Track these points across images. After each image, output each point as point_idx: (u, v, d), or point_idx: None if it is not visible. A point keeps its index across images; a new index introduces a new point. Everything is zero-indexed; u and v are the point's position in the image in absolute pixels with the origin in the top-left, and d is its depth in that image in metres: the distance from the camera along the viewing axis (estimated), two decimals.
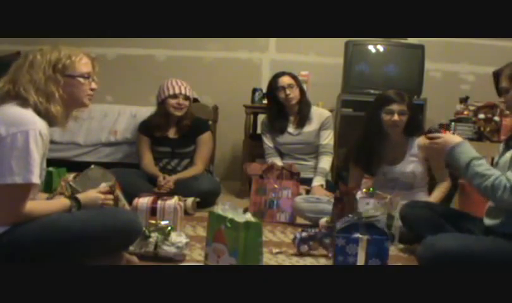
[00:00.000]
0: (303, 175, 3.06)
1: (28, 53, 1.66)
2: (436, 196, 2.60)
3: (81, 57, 1.71)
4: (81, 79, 1.69)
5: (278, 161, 3.24)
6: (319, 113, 3.30)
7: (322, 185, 3.11)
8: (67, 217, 1.68)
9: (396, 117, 2.56)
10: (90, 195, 1.81)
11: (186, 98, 3.14)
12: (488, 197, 1.84)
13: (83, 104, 1.74)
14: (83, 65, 1.70)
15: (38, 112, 1.60)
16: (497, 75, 1.95)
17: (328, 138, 3.25)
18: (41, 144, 1.56)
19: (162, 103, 3.15)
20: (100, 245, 1.67)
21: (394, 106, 2.57)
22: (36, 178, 1.55)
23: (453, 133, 2.92)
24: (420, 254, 1.88)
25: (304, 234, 2.15)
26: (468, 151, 1.88)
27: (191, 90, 3.19)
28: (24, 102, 1.59)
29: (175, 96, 3.10)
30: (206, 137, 3.23)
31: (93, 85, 1.74)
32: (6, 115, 1.56)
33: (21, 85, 1.59)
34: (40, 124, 1.57)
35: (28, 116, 1.57)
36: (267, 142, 3.36)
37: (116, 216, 1.74)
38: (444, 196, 2.62)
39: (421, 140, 2.63)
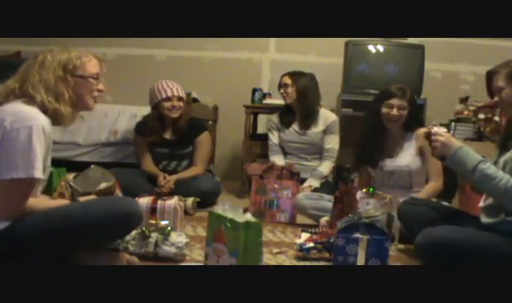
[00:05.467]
0: (304, 175, 3.06)
1: (38, 54, 1.69)
2: (423, 193, 2.57)
3: (91, 58, 1.74)
4: (91, 80, 1.72)
5: (280, 159, 3.27)
6: (325, 116, 3.31)
7: (310, 187, 3.08)
8: (68, 206, 1.72)
9: (395, 111, 2.59)
10: (90, 198, 1.84)
11: (180, 99, 3.10)
12: (500, 199, 1.82)
13: (87, 106, 1.76)
14: (92, 66, 1.73)
15: (45, 111, 1.62)
16: (490, 75, 1.93)
17: (332, 143, 3.26)
18: (44, 140, 1.58)
19: (155, 107, 3.13)
20: (101, 231, 1.67)
21: (394, 101, 2.59)
22: (38, 173, 1.56)
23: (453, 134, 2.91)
24: (418, 241, 1.91)
25: (310, 244, 2.10)
26: (473, 153, 1.86)
27: (183, 90, 3.15)
28: (30, 100, 1.61)
29: (168, 99, 3.06)
30: (204, 137, 3.22)
31: (101, 86, 1.77)
32: (11, 111, 1.58)
33: (30, 84, 1.62)
34: (43, 120, 1.59)
35: (31, 112, 1.58)
36: (273, 138, 3.40)
37: (116, 202, 1.77)
38: (431, 196, 2.57)
39: (419, 131, 2.63)
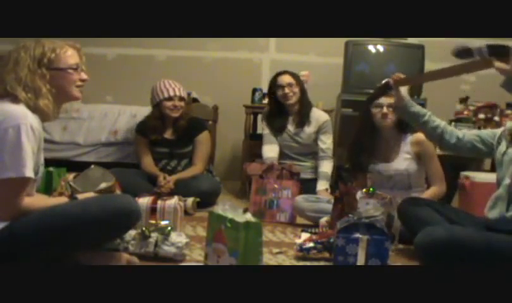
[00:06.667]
0: (302, 175, 3.06)
1: (11, 52, 1.65)
2: (425, 196, 2.55)
3: (66, 49, 1.70)
4: (70, 71, 1.69)
5: (273, 150, 3.24)
6: (317, 116, 3.26)
7: (326, 189, 3.08)
8: (66, 204, 1.70)
9: (384, 109, 2.56)
10: (88, 196, 1.83)
11: (181, 99, 3.13)
12: None
13: (73, 97, 1.72)
14: (69, 57, 1.69)
15: (29, 108, 1.60)
16: None
17: (328, 142, 3.22)
18: (33, 138, 1.57)
19: (157, 106, 3.15)
20: (101, 229, 1.67)
21: (383, 100, 2.56)
22: (29, 171, 1.55)
23: None
24: (418, 241, 1.91)
25: (310, 244, 2.10)
26: None
27: (184, 90, 3.18)
28: (15, 99, 1.59)
29: (170, 98, 3.09)
30: (203, 136, 3.22)
31: (83, 75, 1.73)
32: None
33: (7, 84, 1.60)
34: (31, 118, 1.58)
35: (19, 111, 1.57)
36: (268, 129, 3.33)
37: (115, 199, 1.76)
38: (434, 199, 2.51)
39: (415, 137, 2.61)
